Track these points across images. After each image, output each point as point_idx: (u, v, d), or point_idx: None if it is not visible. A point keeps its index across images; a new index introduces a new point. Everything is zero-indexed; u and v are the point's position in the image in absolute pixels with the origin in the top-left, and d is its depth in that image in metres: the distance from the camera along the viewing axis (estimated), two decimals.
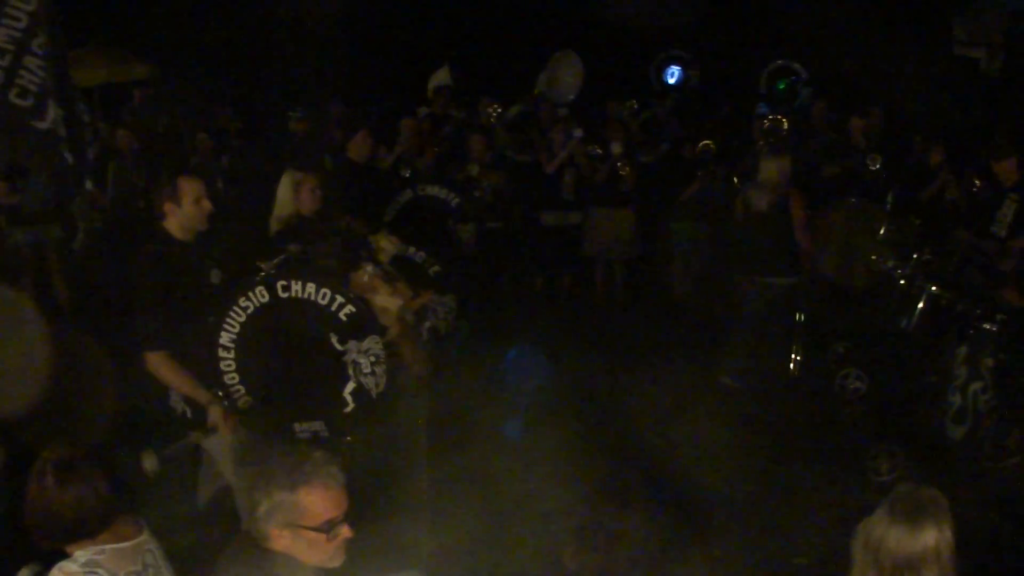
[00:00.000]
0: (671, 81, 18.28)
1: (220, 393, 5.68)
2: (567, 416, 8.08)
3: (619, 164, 11.59)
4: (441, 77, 14.43)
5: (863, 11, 15.54)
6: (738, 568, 6.00)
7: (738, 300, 9.50)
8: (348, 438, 5.78)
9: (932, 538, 3.32)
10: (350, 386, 5.69)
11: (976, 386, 7.39)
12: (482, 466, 6.87)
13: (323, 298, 5.61)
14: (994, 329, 7.37)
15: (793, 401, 8.85)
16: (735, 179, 11.24)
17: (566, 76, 14.18)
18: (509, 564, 5.77)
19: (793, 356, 9.35)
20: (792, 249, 9.08)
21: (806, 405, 8.79)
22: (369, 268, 6.32)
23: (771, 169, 9.18)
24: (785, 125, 12.53)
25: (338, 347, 5.63)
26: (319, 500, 3.27)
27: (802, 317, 9.36)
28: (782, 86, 17.83)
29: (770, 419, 8.47)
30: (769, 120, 12.81)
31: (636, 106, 14.33)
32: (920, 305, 8.10)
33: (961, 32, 16.45)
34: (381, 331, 5.81)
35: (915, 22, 15.40)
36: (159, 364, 5.54)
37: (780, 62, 17.82)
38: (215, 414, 5.59)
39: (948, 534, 3.36)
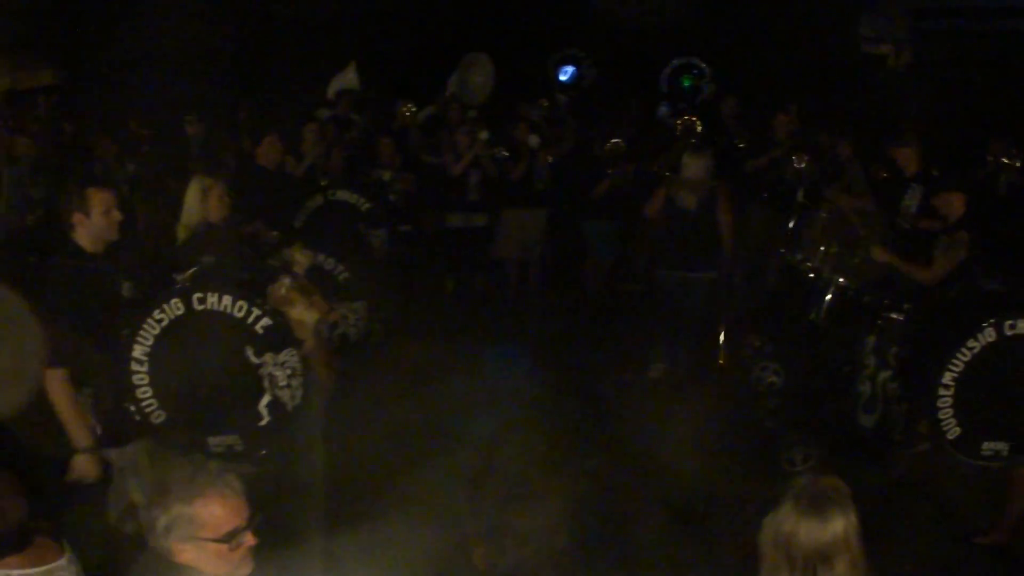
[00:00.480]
0: (563, 79, 18.48)
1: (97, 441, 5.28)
2: (487, 416, 8.07)
3: (540, 156, 11.66)
4: (347, 78, 14.29)
5: (770, 9, 15.75)
6: (652, 562, 6.03)
7: (659, 295, 9.58)
8: (263, 452, 5.72)
9: (840, 526, 3.35)
10: (265, 399, 5.65)
11: (885, 375, 7.50)
12: (390, 471, 6.79)
13: (239, 310, 5.57)
14: (900, 318, 7.50)
15: (717, 394, 8.92)
16: (651, 175, 11.33)
17: (476, 78, 14.22)
18: (422, 567, 5.73)
19: (722, 349, 9.44)
20: (715, 244, 9.20)
21: (728, 398, 8.87)
22: (287, 281, 6.25)
23: (694, 166, 9.28)
24: (699, 127, 12.67)
25: (254, 360, 5.59)
26: (217, 511, 3.22)
27: (725, 310, 9.47)
28: (687, 83, 18.05)
29: (692, 412, 8.51)
30: (681, 123, 12.95)
31: (547, 104, 14.42)
32: (828, 297, 8.24)
33: (867, 29, 16.73)
34: (297, 344, 5.77)
35: (821, 20, 15.60)
36: (57, 383, 5.16)
37: (681, 59, 18.04)
38: (82, 464, 5.17)
39: (854, 519, 3.39)
